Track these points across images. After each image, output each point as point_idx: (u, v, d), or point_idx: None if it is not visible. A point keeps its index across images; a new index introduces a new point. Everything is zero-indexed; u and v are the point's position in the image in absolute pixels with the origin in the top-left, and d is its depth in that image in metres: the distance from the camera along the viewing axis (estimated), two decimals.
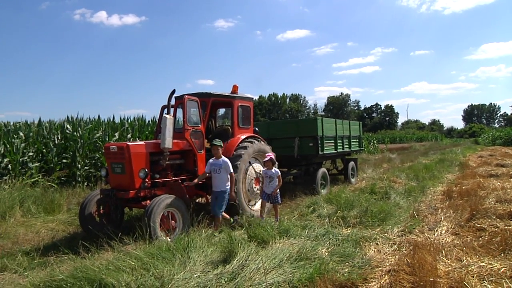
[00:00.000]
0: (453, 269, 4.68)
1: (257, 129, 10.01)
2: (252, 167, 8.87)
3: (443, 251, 5.39)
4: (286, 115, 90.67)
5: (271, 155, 8.08)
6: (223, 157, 7.41)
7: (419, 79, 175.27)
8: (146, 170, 6.95)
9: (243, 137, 8.88)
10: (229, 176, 7.33)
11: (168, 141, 7.18)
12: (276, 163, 8.38)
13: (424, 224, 7.36)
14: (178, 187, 7.18)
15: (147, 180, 6.98)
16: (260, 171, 9.06)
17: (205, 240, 5.80)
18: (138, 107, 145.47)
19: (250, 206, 8.82)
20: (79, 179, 12.59)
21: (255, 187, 8.90)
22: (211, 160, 7.40)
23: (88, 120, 14.95)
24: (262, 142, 9.33)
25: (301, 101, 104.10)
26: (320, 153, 11.90)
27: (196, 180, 7.35)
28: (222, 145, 7.48)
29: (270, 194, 8.02)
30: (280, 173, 8.13)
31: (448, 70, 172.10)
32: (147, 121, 16.50)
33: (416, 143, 54.51)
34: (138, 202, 7.16)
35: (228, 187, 7.32)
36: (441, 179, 14.08)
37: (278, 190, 8.07)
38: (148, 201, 6.83)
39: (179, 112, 8.43)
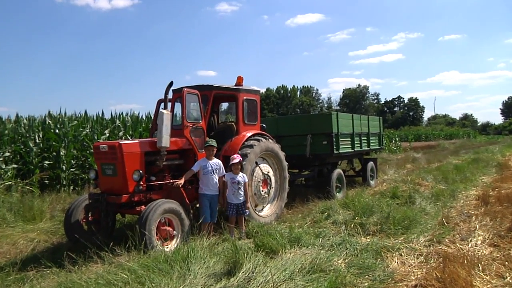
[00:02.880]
0: (493, 287, 4.65)
1: (264, 125, 10.06)
2: (259, 168, 8.92)
3: (479, 265, 5.34)
4: (297, 110, 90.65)
5: (239, 157, 7.89)
6: (216, 159, 7.72)
7: (448, 68, 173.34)
8: (141, 171, 7.00)
9: (249, 134, 8.95)
10: (218, 179, 7.64)
11: (165, 139, 7.26)
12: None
13: (455, 233, 7.34)
14: (177, 190, 7.26)
15: (141, 183, 7.03)
16: (268, 172, 9.14)
17: (206, 249, 5.83)
18: (131, 102, 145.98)
19: (257, 212, 8.90)
20: (64, 183, 12.69)
21: (262, 191, 8.97)
22: (201, 161, 7.59)
23: (73, 116, 15.04)
24: (270, 140, 9.38)
25: (314, 94, 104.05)
26: (335, 152, 11.93)
27: (182, 180, 7.40)
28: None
29: (240, 205, 7.72)
30: (247, 180, 7.93)
31: (484, 56, 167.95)
32: (141, 117, 16.64)
33: (445, 141, 54.27)
34: (132, 208, 7.22)
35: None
36: (475, 182, 14.02)
37: (248, 201, 7.97)
38: (143, 206, 6.88)
39: (178, 107, 8.49)
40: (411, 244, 6.69)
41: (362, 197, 9.76)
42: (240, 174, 7.80)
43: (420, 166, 21.28)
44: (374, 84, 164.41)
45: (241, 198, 7.76)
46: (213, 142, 7.65)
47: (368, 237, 7.20)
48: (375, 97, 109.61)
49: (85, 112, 15.43)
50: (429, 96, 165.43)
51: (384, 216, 8.05)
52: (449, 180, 13.99)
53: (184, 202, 7.16)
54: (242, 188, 7.75)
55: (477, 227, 7.52)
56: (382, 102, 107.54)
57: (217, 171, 7.61)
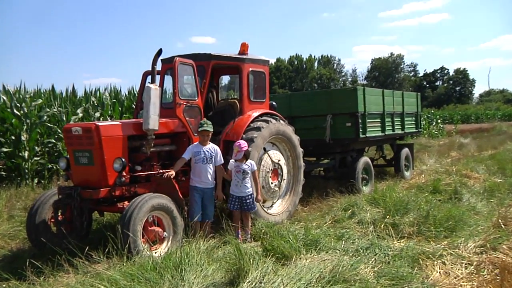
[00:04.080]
0: None
1: (274, 103, 10.12)
2: (268, 155, 9.02)
3: None
4: (314, 84, 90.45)
5: (246, 145, 7.96)
6: (212, 144, 7.81)
7: (509, 30, 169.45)
8: (123, 160, 7.06)
9: (255, 114, 9.02)
10: (215, 168, 7.79)
11: (153, 121, 7.30)
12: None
13: None
14: (168, 183, 7.32)
15: (124, 174, 7.08)
16: (278, 160, 9.23)
17: (204, 254, 5.93)
18: (110, 75, 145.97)
19: (265, 209, 9.03)
20: (26, 174, 12.73)
21: (272, 183, 9.08)
22: (194, 146, 7.70)
23: (36, 91, 15.01)
24: (281, 122, 9.45)
25: (335, 65, 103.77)
26: (361, 136, 11.97)
27: (173, 171, 7.47)
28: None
29: (245, 198, 7.94)
30: (256, 168, 8.12)
31: None
32: (123, 94, 16.71)
33: (502, 122, 53.73)
34: (112, 204, 7.31)
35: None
36: None
37: (260, 193, 8.20)
38: (126, 203, 6.98)
39: (168, 80, 8.55)
40: (457, 250, 6.69)
41: (394, 191, 9.80)
42: (248, 161, 7.95)
43: (469, 154, 21.19)
44: (411, 52, 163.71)
45: (247, 190, 7.90)
46: (208, 126, 7.65)
47: (402, 241, 7.27)
48: (412, 68, 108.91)
49: (52, 87, 15.37)
50: (482, 67, 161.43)
51: (422, 215, 8.10)
52: (508, 171, 13.99)
53: (176, 196, 7.23)
54: (248, 178, 7.91)
55: None
56: (421, 74, 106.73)
57: (213, 159, 7.68)
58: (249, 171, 7.90)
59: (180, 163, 7.60)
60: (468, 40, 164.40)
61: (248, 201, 7.92)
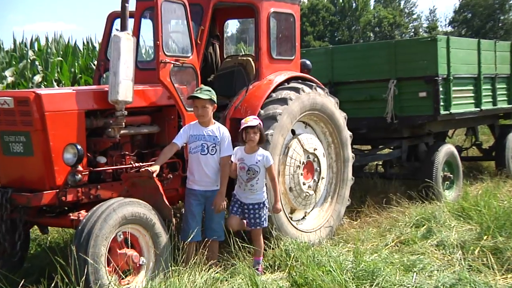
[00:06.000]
0: None
1: (308, 62, 10.18)
2: (299, 141, 9.02)
3: None
4: (369, 34, 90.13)
5: (256, 120, 7.62)
6: (218, 124, 7.68)
7: None
8: (79, 147, 6.93)
9: (279, 79, 8.99)
10: (221, 161, 7.60)
11: (125, 88, 7.23)
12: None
13: None
14: (147, 183, 7.24)
15: (80, 169, 7.01)
16: (314, 149, 9.22)
17: None
18: (55, 19, 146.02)
19: (294, 223, 9.07)
20: None
21: (304, 183, 9.10)
22: (190, 127, 7.57)
23: None
24: (318, 90, 9.40)
25: (402, 3, 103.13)
26: (442, 112, 11.94)
27: (157, 165, 7.32)
28: (215, 99, 7.56)
29: (251, 207, 7.80)
30: (272, 162, 7.88)
31: None
32: (77, 47, 16.74)
33: None
34: (62, 215, 7.31)
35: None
36: None
37: (278, 199, 7.93)
38: (84, 212, 6.93)
39: (147, 27, 8.61)
40: None
41: (495, 198, 9.80)
42: (259, 151, 7.70)
43: None
44: None
45: (257, 195, 7.74)
46: (202, 92, 7.43)
47: (509, 276, 7.19)
48: None
49: None
50: None
51: None
52: None
53: (160, 203, 7.17)
54: (256, 180, 7.67)
55: None
56: None
57: (217, 148, 7.55)
58: (258, 169, 7.63)
59: (168, 152, 7.45)
60: None
61: (252, 211, 7.73)
